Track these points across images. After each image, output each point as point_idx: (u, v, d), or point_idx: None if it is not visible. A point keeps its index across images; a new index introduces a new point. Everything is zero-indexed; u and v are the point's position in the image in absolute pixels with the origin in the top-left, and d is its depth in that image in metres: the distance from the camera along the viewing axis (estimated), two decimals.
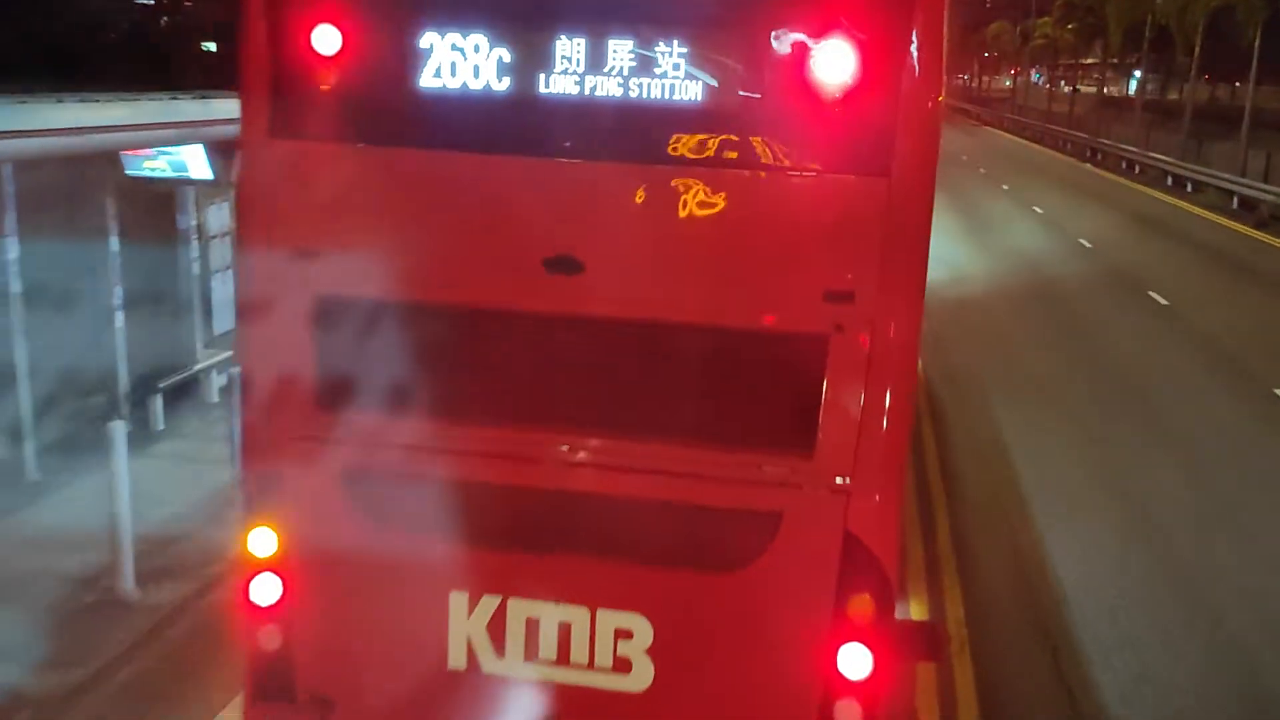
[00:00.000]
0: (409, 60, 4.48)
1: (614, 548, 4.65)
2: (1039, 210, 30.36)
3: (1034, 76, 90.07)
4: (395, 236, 4.60)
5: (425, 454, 4.70)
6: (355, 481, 4.80)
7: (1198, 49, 40.38)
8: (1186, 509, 10.08)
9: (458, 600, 4.77)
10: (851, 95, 4.26)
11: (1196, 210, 31.42)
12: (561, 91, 4.44)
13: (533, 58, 4.45)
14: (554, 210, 4.54)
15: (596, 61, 4.41)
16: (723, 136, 4.38)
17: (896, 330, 4.44)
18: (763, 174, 4.36)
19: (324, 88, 4.55)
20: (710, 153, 4.40)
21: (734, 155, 4.36)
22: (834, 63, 4.25)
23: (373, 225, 4.61)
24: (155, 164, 9.62)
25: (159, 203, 10.73)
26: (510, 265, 4.56)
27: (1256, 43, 34.07)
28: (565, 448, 4.63)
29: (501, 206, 4.55)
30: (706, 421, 4.55)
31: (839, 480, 4.50)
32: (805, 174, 4.33)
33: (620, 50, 4.40)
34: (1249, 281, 21.04)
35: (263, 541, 4.87)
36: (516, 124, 4.54)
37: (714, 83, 4.36)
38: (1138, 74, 66.40)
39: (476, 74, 4.47)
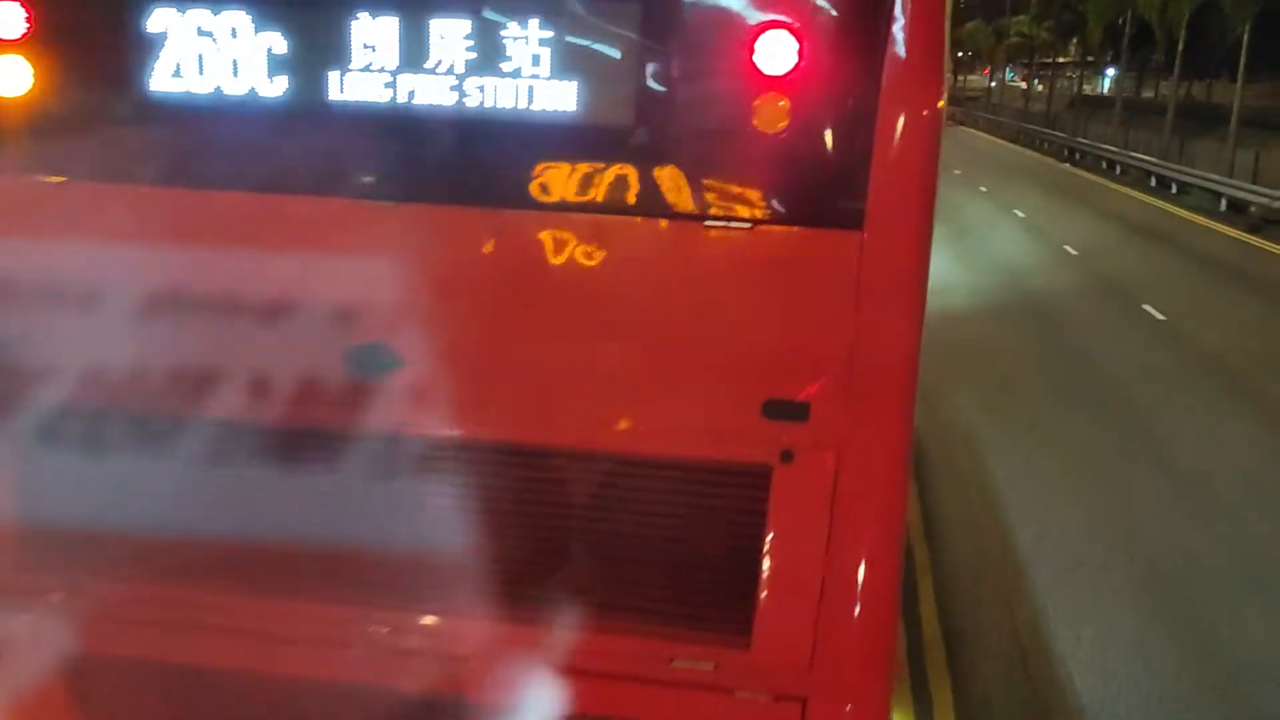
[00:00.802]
0: (133, 52, 2.97)
1: None
2: (1020, 214, 29.06)
3: (1008, 75, 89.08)
4: (120, 317, 3.07)
5: (180, 635, 3.18)
6: (78, 672, 3.28)
7: (1181, 44, 39.16)
8: (1212, 572, 8.68)
9: None
10: (805, 105, 2.79)
11: (1184, 213, 30.17)
12: (364, 99, 2.93)
13: (319, 47, 2.94)
14: (358, 277, 3.03)
15: (415, 53, 2.90)
16: (611, 168, 2.88)
17: (875, 458, 2.96)
18: (671, 226, 2.88)
19: (4, 94, 3.02)
20: (592, 193, 2.90)
21: (628, 197, 2.88)
22: (778, 56, 2.77)
23: (86, 300, 3.08)
24: None
25: None
26: (295, 359, 3.05)
27: (1245, 39, 32.84)
28: (386, 630, 3.13)
29: (279, 271, 3.04)
30: (590, 593, 3.05)
31: (789, 682, 3.01)
32: (735, 226, 2.84)
33: (451, 36, 2.89)
34: (1250, 293, 19.74)
35: None
36: (298, 148, 3.03)
37: (597, 87, 2.87)
38: (1111, 71, 65.54)
39: (235, 72, 2.96)
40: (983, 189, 34.58)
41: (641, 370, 2.90)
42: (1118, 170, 40.10)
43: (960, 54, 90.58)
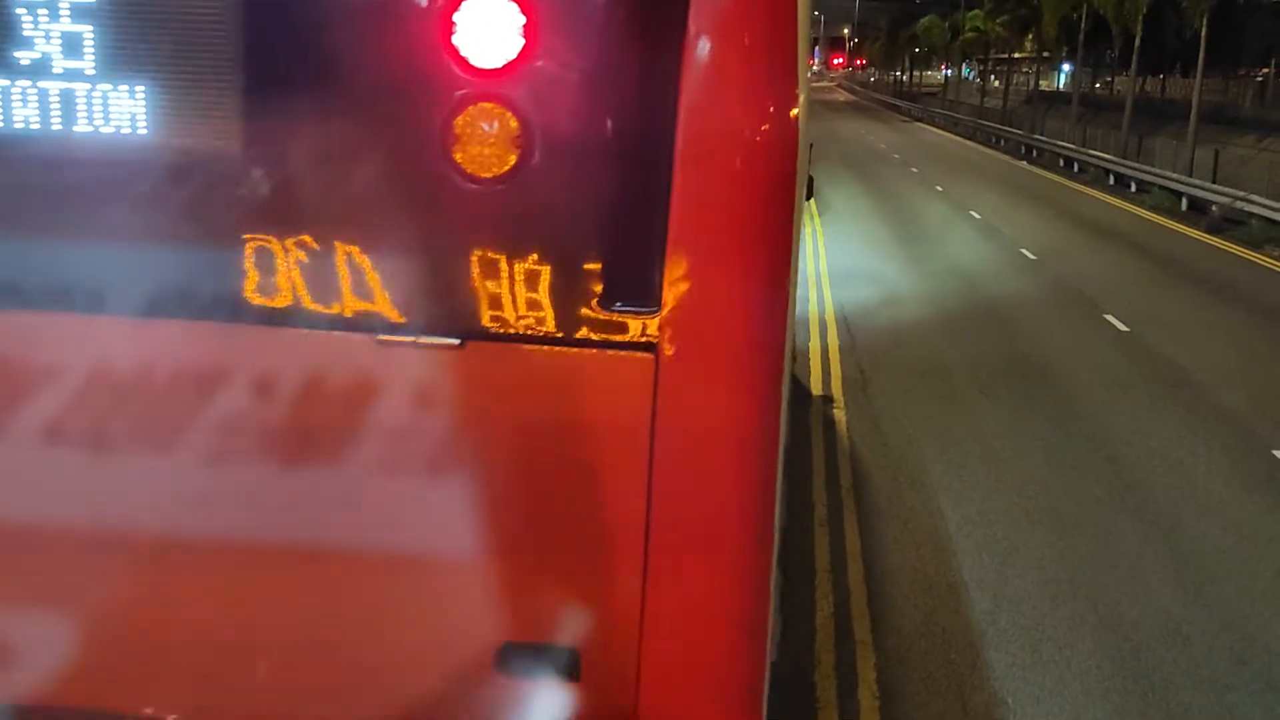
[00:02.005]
0: None
1: None
2: (975, 215, 28.12)
3: (965, 71, 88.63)
4: None
5: None
6: None
7: (1138, 39, 38.36)
8: (1192, 644, 7.54)
9: None
10: (546, 126, 1.57)
11: (1144, 213, 29.36)
12: None
13: None
14: None
15: None
16: (208, 240, 1.65)
17: None
18: (316, 342, 1.64)
19: None
20: (175, 284, 1.66)
21: (239, 292, 1.64)
22: (494, 38, 1.54)
23: None
24: None
25: None
26: None
27: (1204, 32, 32.07)
28: None
29: None
30: None
31: None
32: (432, 344, 1.60)
33: None
34: (1214, 300, 18.82)
35: None
36: None
37: (177, 95, 1.63)
38: (1066, 67, 65.11)
39: None
40: (939, 188, 33.74)
41: (285, 598, 1.66)
42: (1075, 168, 39.33)
43: (916, 50, 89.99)
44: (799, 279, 17.24)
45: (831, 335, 15.45)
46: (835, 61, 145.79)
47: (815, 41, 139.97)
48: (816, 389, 13.15)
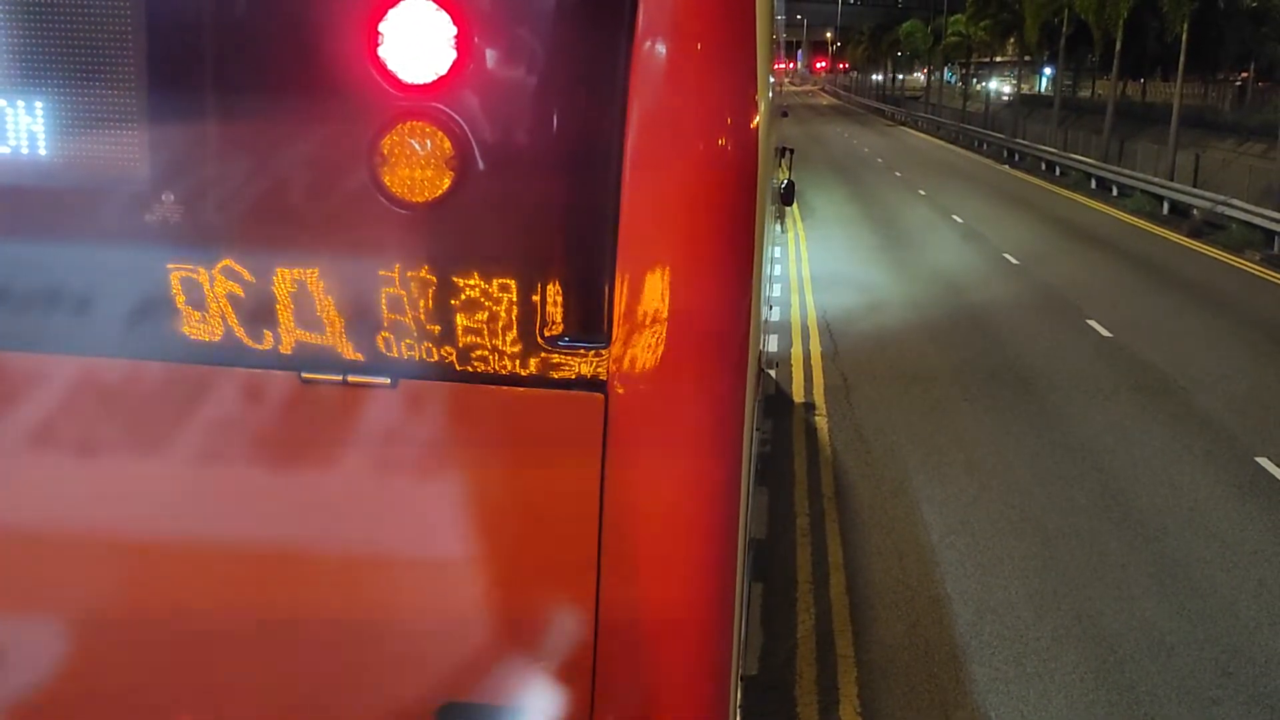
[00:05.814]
0: None
1: None
2: (958, 219, 28.10)
3: (947, 75, 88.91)
4: None
5: None
6: None
7: (1119, 43, 38.45)
8: (1177, 655, 7.45)
9: None
10: (481, 146, 1.44)
11: (1125, 217, 29.40)
12: None
13: None
14: None
15: None
16: (107, 271, 1.52)
17: None
18: (233, 381, 1.51)
19: None
20: (69, 320, 1.53)
21: (144, 329, 1.51)
22: (424, 52, 1.42)
23: None
24: None
25: None
26: None
27: (1184, 38, 32.15)
28: None
29: None
30: None
31: None
32: (361, 383, 1.48)
33: None
34: (1194, 303, 18.82)
35: None
36: None
37: (71, 112, 1.50)
38: (1047, 71, 65.35)
39: None
40: (921, 192, 33.73)
41: (207, 660, 1.53)
42: (1057, 172, 39.39)
43: (899, 54, 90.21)
44: (777, 289, 17.02)
45: (814, 341, 15.37)
46: (818, 65, 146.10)
47: (798, 45, 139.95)
48: (799, 396, 13.06)
